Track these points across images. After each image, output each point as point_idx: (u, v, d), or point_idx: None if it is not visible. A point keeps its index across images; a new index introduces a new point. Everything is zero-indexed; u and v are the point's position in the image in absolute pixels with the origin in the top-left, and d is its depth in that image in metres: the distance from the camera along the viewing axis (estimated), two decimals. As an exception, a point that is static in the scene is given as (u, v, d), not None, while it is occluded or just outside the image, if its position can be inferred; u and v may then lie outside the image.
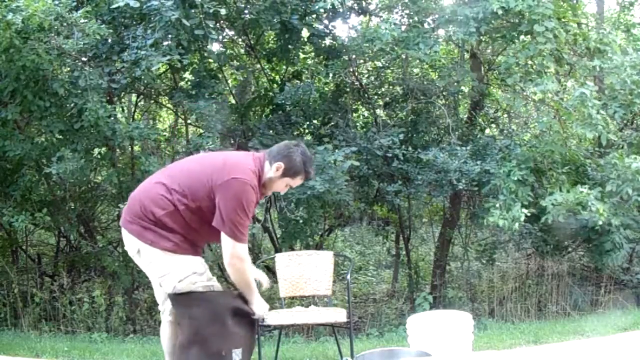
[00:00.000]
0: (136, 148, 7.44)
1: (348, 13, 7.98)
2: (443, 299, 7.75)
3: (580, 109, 6.40)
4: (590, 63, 6.75)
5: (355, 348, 4.79)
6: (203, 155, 3.61)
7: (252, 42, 8.30)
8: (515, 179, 6.56)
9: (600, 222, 6.25)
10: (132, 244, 3.09)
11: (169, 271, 3.04)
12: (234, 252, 3.03)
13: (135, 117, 8.66)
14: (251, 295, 3.18)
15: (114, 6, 6.30)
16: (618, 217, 6.53)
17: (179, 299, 3.07)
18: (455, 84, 7.58)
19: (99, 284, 7.49)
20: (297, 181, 3.29)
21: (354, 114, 8.54)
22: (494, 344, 5.74)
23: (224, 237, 3.02)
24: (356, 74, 8.33)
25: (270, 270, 6.81)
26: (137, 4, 6.19)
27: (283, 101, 7.49)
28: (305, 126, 8.02)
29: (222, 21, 7.32)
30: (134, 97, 8.91)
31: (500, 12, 6.57)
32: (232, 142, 7.66)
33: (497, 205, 6.53)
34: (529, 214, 6.48)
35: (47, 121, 6.44)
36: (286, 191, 3.43)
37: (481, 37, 7.61)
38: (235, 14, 7.40)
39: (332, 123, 7.90)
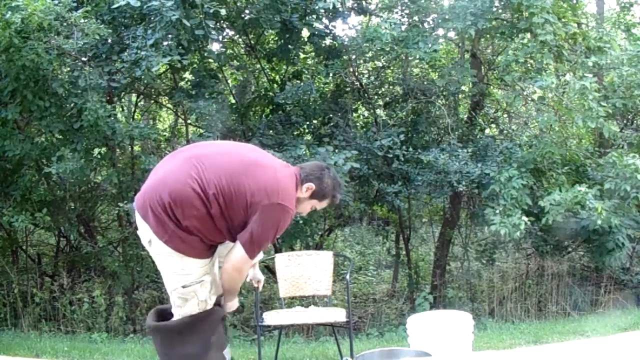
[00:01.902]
0: (136, 148, 7.45)
1: (348, 13, 7.99)
2: (443, 299, 7.75)
3: (581, 102, 6.42)
4: (588, 60, 6.77)
5: (355, 348, 4.79)
6: (244, 154, 3.07)
7: (252, 42, 8.30)
8: (517, 186, 6.56)
9: (599, 222, 6.26)
10: (145, 233, 2.91)
11: (177, 272, 2.94)
12: (239, 266, 2.96)
13: (135, 117, 8.67)
14: (231, 298, 3.15)
15: (115, 6, 6.29)
16: (618, 217, 6.54)
17: (169, 331, 3.00)
18: (457, 83, 7.59)
19: (99, 284, 7.48)
20: (323, 204, 3.20)
21: (354, 114, 8.54)
22: (494, 344, 5.73)
23: (239, 249, 2.91)
24: (356, 74, 8.33)
25: (270, 270, 6.82)
26: (138, 4, 6.18)
27: (283, 101, 7.49)
28: (305, 126, 8.02)
29: (222, 21, 7.32)
30: (134, 97, 8.91)
31: (498, 5, 6.58)
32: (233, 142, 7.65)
33: (497, 211, 6.54)
34: (529, 222, 6.50)
35: (47, 121, 6.44)
36: (309, 213, 3.31)
37: (480, 34, 7.62)
38: (236, 13, 7.40)
39: (332, 123, 7.91)
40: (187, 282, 2.93)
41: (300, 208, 3.16)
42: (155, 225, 2.86)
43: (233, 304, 3.18)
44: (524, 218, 6.40)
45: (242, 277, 3.06)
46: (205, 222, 2.85)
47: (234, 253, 2.94)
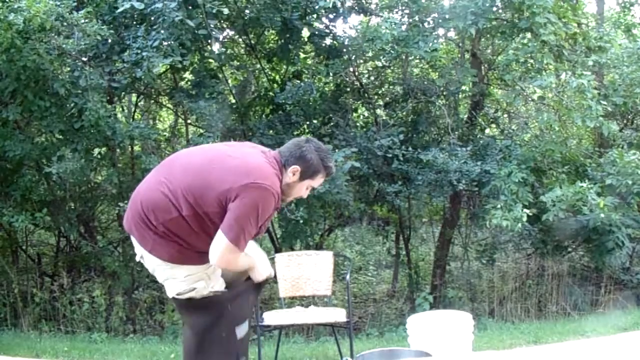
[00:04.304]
0: (136, 148, 7.45)
1: (348, 12, 7.99)
2: (443, 299, 7.75)
3: (580, 101, 6.42)
4: (588, 59, 6.79)
5: (355, 348, 4.80)
6: (213, 150, 3.05)
7: (252, 42, 8.30)
8: (516, 180, 6.57)
9: (602, 215, 6.24)
10: (137, 249, 2.89)
11: (169, 280, 2.90)
12: (226, 257, 2.74)
13: (135, 117, 8.67)
14: (250, 270, 3.00)
15: (119, 10, 6.28)
16: (618, 212, 6.55)
17: (179, 302, 2.97)
18: (457, 83, 7.60)
19: (99, 284, 7.49)
20: (319, 180, 2.96)
21: (354, 114, 8.54)
22: (494, 344, 5.74)
23: (221, 238, 2.69)
24: (356, 73, 8.33)
25: (271, 270, 6.82)
26: (142, 6, 6.18)
27: (283, 101, 7.49)
28: (305, 126, 8.02)
29: (222, 21, 7.32)
30: (134, 97, 8.91)
31: (499, 4, 6.59)
32: (232, 142, 7.66)
33: (499, 206, 6.54)
34: (530, 214, 6.49)
35: (48, 121, 6.44)
36: (308, 194, 3.05)
37: (480, 34, 7.63)
38: (236, 13, 7.41)
39: (332, 123, 7.90)
40: (181, 290, 2.88)
41: (296, 193, 2.96)
42: (139, 237, 2.83)
43: (259, 273, 3.02)
44: (525, 211, 6.39)
45: (235, 264, 2.84)
46: (181, 226, 2.75)
47: (214, 243, 2.73)
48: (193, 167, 2.84)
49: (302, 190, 2.97)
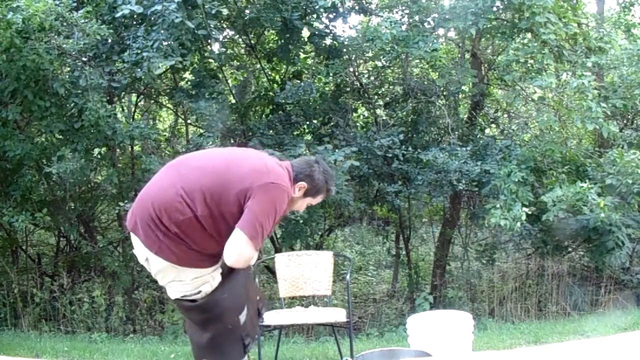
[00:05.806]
0: (136, 148, 7.45)
1: (348, 12, 8.00)
2: (443, 299, 7.75)
3: (580, 101, 6.42)
4: (588, 60, 6.79)
5: (355, 348, 4.80)
6: (227, 153, 3.13)
7: (252, 42, 8.30)
8: (516, 179, 6.57)
9: (602, 215, 6.25)
10: (141, 251, 2.87)
11: (175, 282, 2.89)
12: (243, 257, 2.77)
13: (136, 116, 8.67)
14: None
15: (118, 14, 6.27)
16: (618, 212, 6.55)
17: (181, 303, 2.98)
18: (457, 83, 7.60)
19: (99, 284, 7.49)
20: (318, 199, 3.13)
21: (354, 114, 8.55)
22: (494, 344, 5.74)
23: (240, 235, 2.72)
24: (356, 73, 8.34)
25: (270, 270, 6.84)
26: (141, 9, 6.17)
27: (283, 101, 7.49)
28: (305, 126, 8.03)
29: (222, 21, 7.32)
30: (134, 96, 8.91)
31: (499, 5, 6.59)
32: (232, 142, 7.67)
33: (498, 205, 6.54)
34: (529, 212, 6.49)
35: (48, 121, 6.44)
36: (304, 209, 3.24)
37: (480, 34, 7.63)
38: (236, 13, 7.41)
39: (332, 123, 7.91)
40: (187, 292, 2.89)
41: (296, 207, 3.12)
42: (145, 238, 2.82)
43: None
44: (524, 209, 6.38)
45: (250, 262, 2.89)
46: (194, 227, 2.77)
47: (231, 242, 2.74)
48: (211, 168, 2.88)
49: (303, 205, 3.14)
